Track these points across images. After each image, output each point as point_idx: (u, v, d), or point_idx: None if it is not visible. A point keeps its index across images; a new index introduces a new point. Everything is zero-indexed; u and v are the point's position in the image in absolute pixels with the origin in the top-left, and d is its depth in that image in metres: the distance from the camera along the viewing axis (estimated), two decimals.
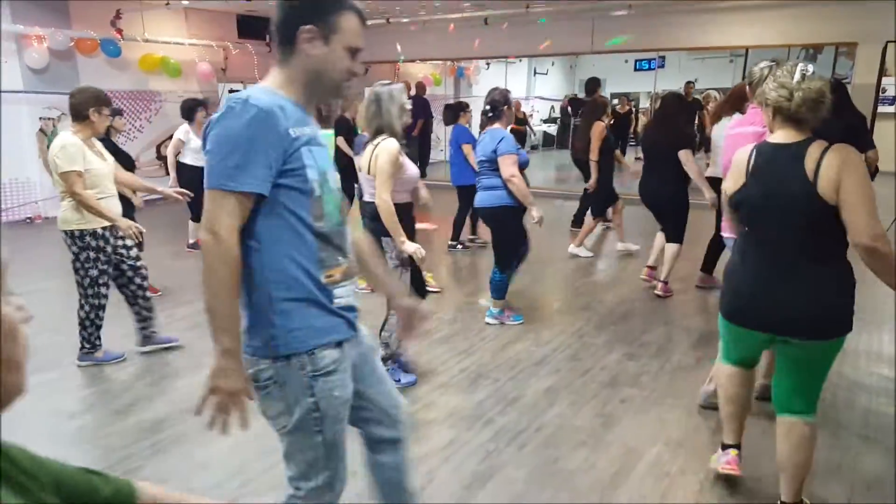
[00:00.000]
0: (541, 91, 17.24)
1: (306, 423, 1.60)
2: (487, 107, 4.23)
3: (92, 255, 3.63)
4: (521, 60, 14.56)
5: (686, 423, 3.15)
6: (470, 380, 3.62)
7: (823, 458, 2.82)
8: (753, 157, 2.18)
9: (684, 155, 4.77)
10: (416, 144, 10.21)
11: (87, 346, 3.81)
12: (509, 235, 4.25)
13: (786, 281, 2.12)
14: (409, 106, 3.42)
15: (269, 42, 11.16)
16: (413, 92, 10.56)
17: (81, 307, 3.76)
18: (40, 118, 8.19)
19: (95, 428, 3.10)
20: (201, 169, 1.65)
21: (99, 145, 3.75)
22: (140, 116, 9.20)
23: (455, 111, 6.70)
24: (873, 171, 4.94)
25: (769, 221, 2.14)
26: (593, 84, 7.29)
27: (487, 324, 4.50)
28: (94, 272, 3.67)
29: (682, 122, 5.10)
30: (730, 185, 2.28)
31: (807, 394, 2.23)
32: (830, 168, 1.97)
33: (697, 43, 9.21)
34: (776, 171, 2.10)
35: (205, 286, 1.49)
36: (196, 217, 7.61)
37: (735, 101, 3.67)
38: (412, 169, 3.41)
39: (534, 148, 16.10)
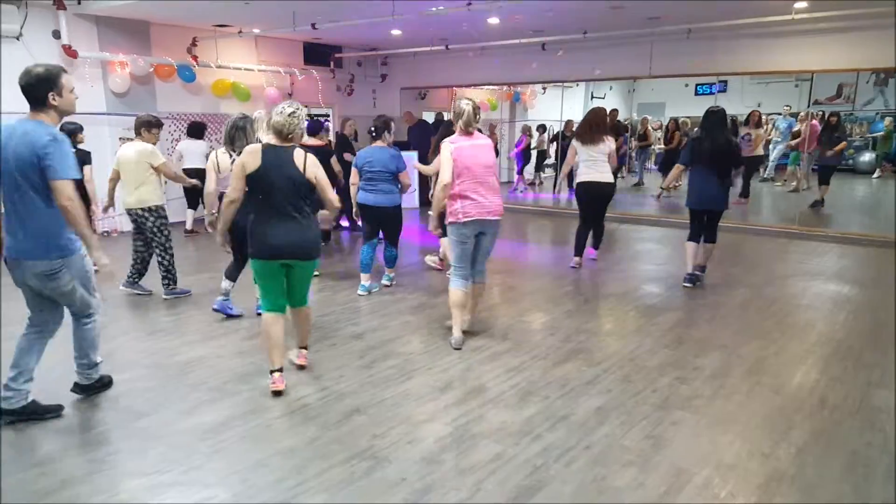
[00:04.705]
0: None
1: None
2: (373, 128, 5.62)
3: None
4: (577, 85, 14.57)
5: (738, 448, 3.10)
6: (519, 396, 3.66)
7: None
8: (264, 153, 3.52)
9: None
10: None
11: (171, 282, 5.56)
12: (400, 226, 5.88)
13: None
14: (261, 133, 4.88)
15: (332, 69, 11.66)
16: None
17: (165, 259, 5.45)
18: (119, 138, 8.74)
19: (160, 426, 3.28)
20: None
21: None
22: (210, 137, 9.68)
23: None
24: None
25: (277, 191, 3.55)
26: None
27: (385, 285, 6.04)
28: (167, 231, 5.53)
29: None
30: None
31: (305, 294, 3.86)
32: (310, 164, 3.54)
33: (760, 67, 9.02)
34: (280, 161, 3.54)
35: (74, 219, 3.02)
36: (193, 205, 9.06)
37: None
38: None
39: None
